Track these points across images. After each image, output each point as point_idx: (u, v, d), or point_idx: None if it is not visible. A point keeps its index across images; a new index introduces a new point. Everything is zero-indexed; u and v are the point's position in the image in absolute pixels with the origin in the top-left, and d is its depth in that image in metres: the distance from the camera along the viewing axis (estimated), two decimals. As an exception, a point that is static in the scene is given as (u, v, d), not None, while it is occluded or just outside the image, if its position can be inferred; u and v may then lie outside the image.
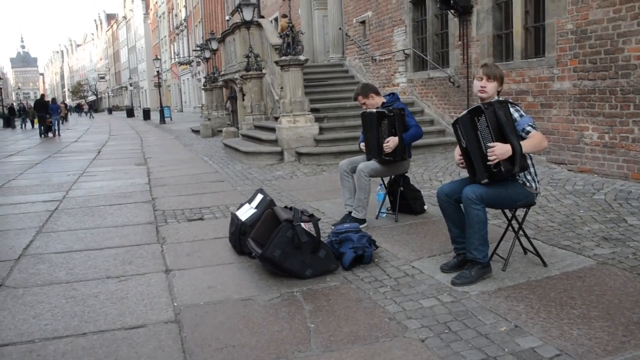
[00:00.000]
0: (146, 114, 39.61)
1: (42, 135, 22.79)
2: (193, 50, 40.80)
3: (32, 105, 31.26)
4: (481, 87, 3.62)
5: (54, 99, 27.67)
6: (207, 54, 23.93)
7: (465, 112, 3.60)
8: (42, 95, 27.28)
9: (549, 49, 7.32)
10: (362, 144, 5.37)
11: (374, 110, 5.17)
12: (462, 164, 3.75)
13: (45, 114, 23.07)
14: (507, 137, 3.40)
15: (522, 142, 3.41)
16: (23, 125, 33.33)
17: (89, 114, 58.41)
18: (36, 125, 29.11)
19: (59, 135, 23.45)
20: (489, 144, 3.41)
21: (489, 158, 3.41)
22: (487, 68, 3.65)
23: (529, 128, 3.51)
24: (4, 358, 2.85)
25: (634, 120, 6.16)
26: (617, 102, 6.35)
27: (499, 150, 3.37)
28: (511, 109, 3.54)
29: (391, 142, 4.99)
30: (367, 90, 5.34)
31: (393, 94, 5.47)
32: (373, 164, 5.14)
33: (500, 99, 3.65)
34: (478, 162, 3.52)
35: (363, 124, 5.31)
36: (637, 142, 6.15)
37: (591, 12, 6.59)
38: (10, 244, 5.11)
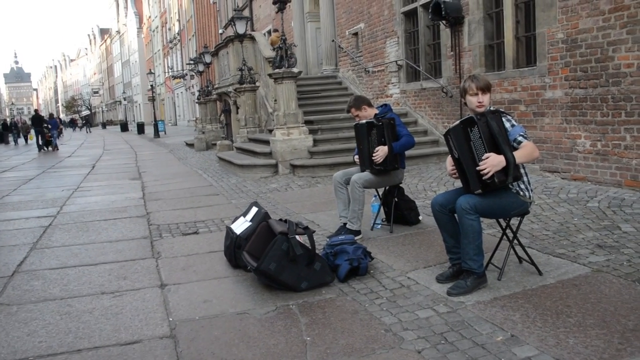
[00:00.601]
0: (140, 128, 39.57)
1: (42, 149, 23.37)
2: (187, 64, 40.91)
3: (27, 121, 31.78)
4: (479, 102, 3.60)
5: (51, 115, 28.45)
6: (201, 68, 23.98)
7: (457, 122, 3.60)
8: (36, 111, 27.67)
9: (541, 58, 7.38)
10: (357, 157, 5.38)
11: (364, 121, 5.21)
12: (454, 174, 3.76)
13: (43, 129, 23.77)
14: (500, 147, 3.40)
15: (514, 153, 3.42)
16: (15, 140, 33.20)
17: (86, 129, 57.70)
18: (31, 141, 29.74)
19: (57, 148, 24.21)
20: (482, 156, 3.42)
21: (481, 170, 3.42)
22: (479, 81, 3.63)
23: (520, 138, 3.52)
24: (-2, 377, 2.83)
25: (626, 128, 6.21)
26: (609, 110, 6.40)
27: (492, 162, 3.37)
28: (503, 119, 3.55)
29: (380, 152, 5.00)
30: (360, 102, 5.37)
31: (386, 105, 5.48)
32: (366, 175, 5.15)
33: (492, 108, 3.66)
34: (471, 173, 3.52)
35: (356, 136, 5.34)
36: (630, 150, 6.19)
37: (581, 21, 6.66)
38: (4, 260, 5.08)
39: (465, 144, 3.51)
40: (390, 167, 5.09)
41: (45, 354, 3.03)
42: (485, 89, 3.62)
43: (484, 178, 3.42)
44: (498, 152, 3.40)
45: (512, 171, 3.41)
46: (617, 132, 6.32)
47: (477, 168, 3.43)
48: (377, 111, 5.34)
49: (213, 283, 4.13)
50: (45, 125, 24.07)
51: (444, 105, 10.02)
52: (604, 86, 6.43)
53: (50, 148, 23.95)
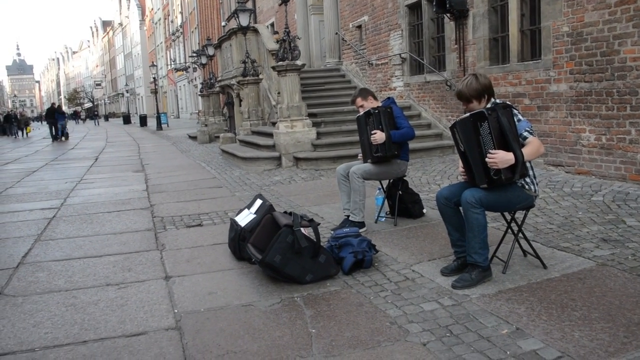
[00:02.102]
0: (143, 121, 39.50)
1: (55, 139, 25.47)
2: (189, 56, 40.84)
3: (26, 113, 32.60)
4: (465, 110, 3.70)
5: (59, 106, 30.05)
6: (204, 60, 23.95)
7: (467, 115, 3.53)
8: (53, 104, 28.76)
9: (545, 51, 7.35)
10: (361, 155, 5.40)
11: (362, 112, 5.24)
12: (465, 176, 3.73)
13: (56, 120, 25.97)
14: (510, 145, 3.36)
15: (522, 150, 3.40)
16: (15, 133, 32.63)
17: (95, 121, 56.46)
18: (30, 133, 31.79)
19: (64, 139, 26.13)
20: (490, 151, 3.38)
21: (489, 165, 3.38)
22: (460, 93, 3.65)
23: (526, 134, 3.49)
24: (5, 367, 2.84)
25: (631, 122, 6.18)
26: (614, 104, 6.38)
27: (500, 159, 3.34)
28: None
29: (378, 135, 5.01)
30: (365, 93, 5.37)
31: (389, 98, 5.48)
32: (366, 166, 5.15)
33: (498, 101, 3.62)
34: (478, 168, 3.50)
35: (358, 129, 5.35)
36: (634, 144, 6.17)
37: (587, 14, 6.62)
38: (9, 252, 5.09)
39: (474, 138, 3.46)
40: (390, 153, 5.08)
41: (51, 345, 3.04)
42: (468, 98, 3.63)
43: (489, 165, 3.39)
44: (506, 148, 3.36)
45: (519, 169, 3.38)
46: (622, 126, 6.30)
47: (487, 160, 3.38)
48: (380, 104, 5.33)
49: (218, 275, 4.14)
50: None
51: (448, 99, 9.99)
52: (609, 80, 6.40)
53: (63, 138, 25.94)
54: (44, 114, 69.29)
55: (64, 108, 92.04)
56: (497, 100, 3.66)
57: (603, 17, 6.40)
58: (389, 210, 5.54)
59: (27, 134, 32.83)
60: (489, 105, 3.61)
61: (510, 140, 3.37)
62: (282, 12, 18.50)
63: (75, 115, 69.32)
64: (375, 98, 5.39)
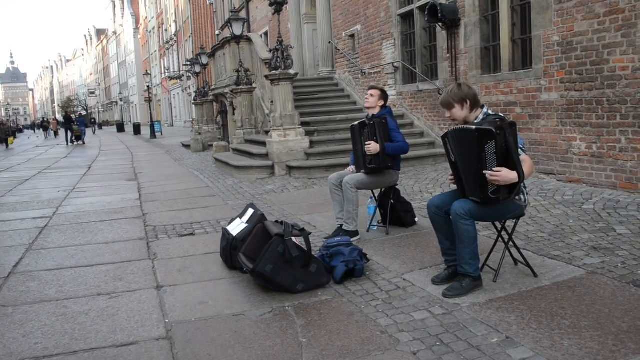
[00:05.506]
0: (136, 129, 39.48)
1: (71, 143, 28.36)
2: (183, 65, 40.84)
3: (8, 122, 34.08)
4: (447, 117, 3.75)
5: (80, 114, 33.85)
6: (197, 69, 23.97)
7: (472, 128, 3.45)
8: (67, 112, 32.05)
9: (536, 60, 7.41)
10: (352, 167, 5.41)
11: (357, 122, 5.29)
12: (453, 181, 3.74)
13: (72, 126, 29.29)
14: (514, 164, 3.34)
15: None
16: None
17: (92, 129, 51.11)
18: (11, 145, 31.49)
19: (82, 143, 28.78)
20: (496, 168, 3.34)
21: (490, 181, 3.36)
22: (442, 99, 3.74)
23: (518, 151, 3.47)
24: (-6, 378, 2.83)
25: (621, 130, 6.23)
26: (604, 113, 6.43)
27: (504, 177, 3.33)
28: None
29: (372, 146, 5.03)
30: (383, 96, 5.37)
31: (386, 108, 5.44)
32: (359, 176, 5.17)
33: (490, 112, 3.62)
34: (473, 181, 3.47)
35: (352, 138, 5.36)
36: (625, 152, 6.22)
37: (576, 24, 6.68)
38: (0, 261, 5.07)
39: (476, 153, 3.40)
40: (383, 165, 5.10)
41: (41, 356, 3.02)
42: (447, 104, 3.68)
43: (491, 181, 3.36)
44: (507, 166, 3.34)
45: (517, 189, 3.40)
46: (612, 134, 6.35)
47: (489, 176, 3.35)
48: (378, 110, 5.33)
49: (209, 285, 4.13)
50: (74, 122, 29.53)
51: (440, 107, 10.00)
52: (599, 89, 6.46)
53: (81, 142, 28.63)
54: (38, 121, 68.72)
55: (58, 116, 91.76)
56: (489, 111, 3.66)
57: (592, 26, 6.46)
58: (380, 219, 5.55)
59: (8, 145, 30.54)
60: (481, 116, 3.62)
61: (515, 160, 3.35)
62: (275, 21, 18.56)
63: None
64: (384, 106, 5.38)
